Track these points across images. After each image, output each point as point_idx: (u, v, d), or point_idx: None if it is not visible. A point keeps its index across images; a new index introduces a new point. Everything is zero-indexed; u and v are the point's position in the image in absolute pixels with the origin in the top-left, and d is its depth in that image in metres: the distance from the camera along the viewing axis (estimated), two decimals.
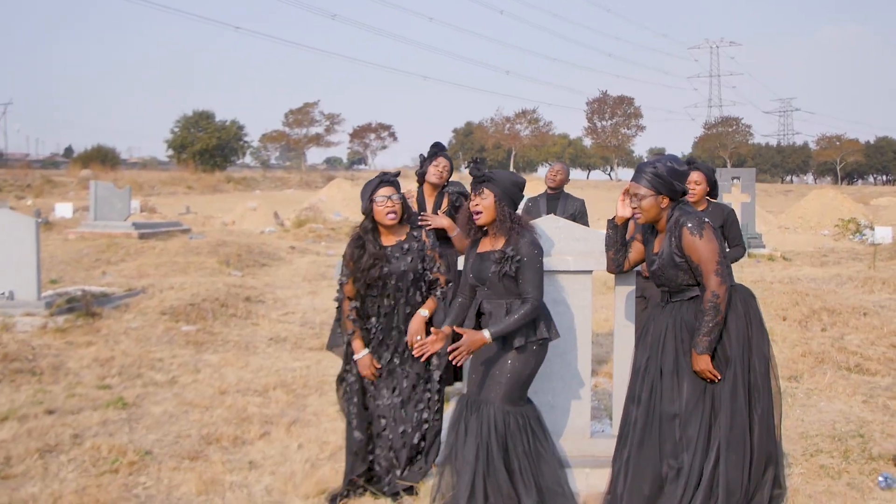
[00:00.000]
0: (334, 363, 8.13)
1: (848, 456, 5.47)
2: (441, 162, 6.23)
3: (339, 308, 4.85)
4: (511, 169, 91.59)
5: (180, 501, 4.72)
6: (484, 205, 4.34)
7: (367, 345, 4.77)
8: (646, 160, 4.51)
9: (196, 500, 4.72)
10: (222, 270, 13.91)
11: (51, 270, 13.48)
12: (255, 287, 11.89)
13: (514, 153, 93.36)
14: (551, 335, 4.36)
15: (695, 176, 6.11)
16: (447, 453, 4.40)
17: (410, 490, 4.72)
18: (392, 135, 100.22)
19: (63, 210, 25.69)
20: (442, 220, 5.71)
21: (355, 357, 4.74)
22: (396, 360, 4.77)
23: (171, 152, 69.18)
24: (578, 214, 7.72)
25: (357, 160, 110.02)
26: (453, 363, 4.15)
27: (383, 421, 4.77)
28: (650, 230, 4.51)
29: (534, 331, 4.30)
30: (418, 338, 4.58)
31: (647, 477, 4.29)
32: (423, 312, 4.68)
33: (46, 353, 7.75)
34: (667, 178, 4.23)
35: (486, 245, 4.43)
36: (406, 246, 4.73)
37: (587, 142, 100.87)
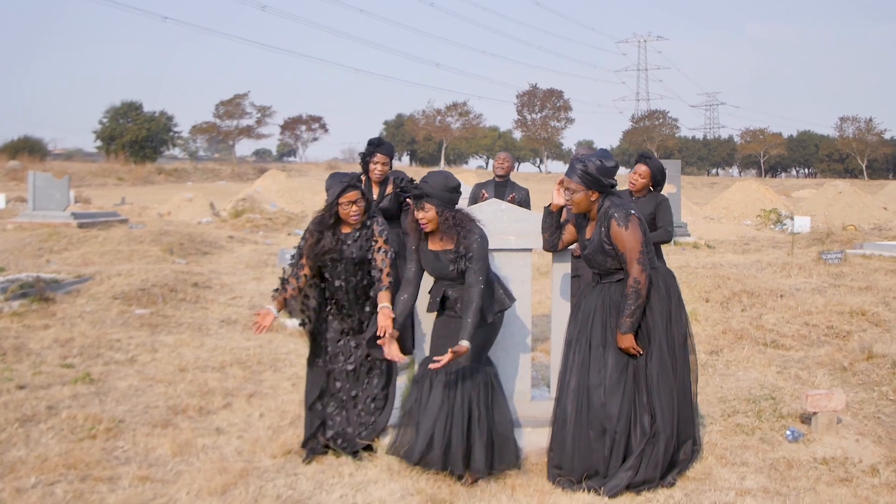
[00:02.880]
0: (285, 343, 8.56)
1: (761, 415, 6.12)
2: (378, 159, 6.61)
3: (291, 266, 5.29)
4: (442, 161, 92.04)
5: (158, 461, 5.13)
6: (427, 217, 4.89)
7: (322, 321, 5.31)
8: (576, 155, 5.06)
9: (173, 461, 5.14)
10: (166, 258, 14.14)
11: None
12: (202, 273, 12.18)
13: (444, 145, 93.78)
14: (510, 302, 4.94)
15: (640, 168, 6.78)
16: (407, 409, 4.91)
17: (369, 448, 5.22)
18: (323, 126, 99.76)
19: None
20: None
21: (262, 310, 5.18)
22: (349, 337, 5.28)
23: (99, 143, 68.17)
24: (523, 202, 8.25)
25: (287, 152, 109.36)
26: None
27: (338, 383, 5.28)
28: (583, 216, 5.06)
29: (492, 304, 4.85)
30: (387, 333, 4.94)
31: (581, 435, 4.86)
32: (385, 305, 5.02)
33: (7, 336, 8.01)
34: (595, 175, 4.80)
35: (435, 243, 4.97)
36: (358, 234, 5.21)
37: (517, 134, 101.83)
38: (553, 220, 5.09)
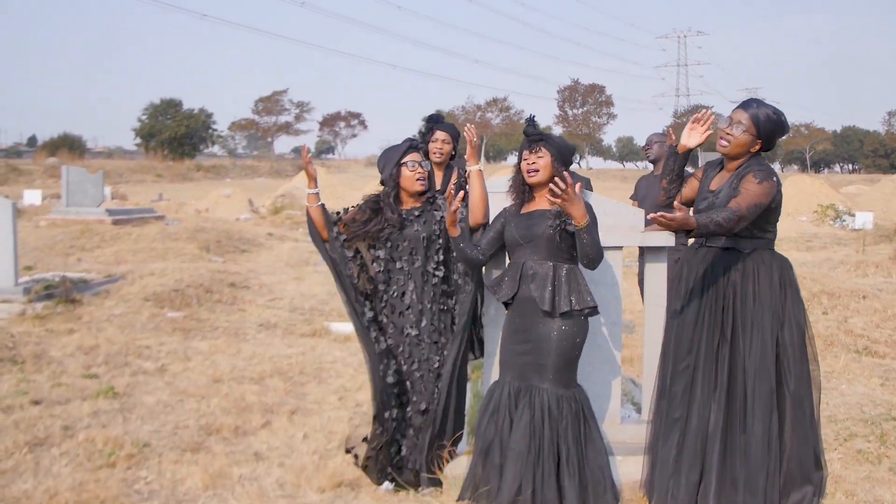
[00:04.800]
0: (329, 350, 7.81)
1: (885, 440, 5.23)
2: (438, 136, 5.58)
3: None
4: (482, 157, 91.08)
5: (187, 496, 4.37)
6: (541, 163, 4.11)
7: (379, 312, 4.53)
8: (750, 99, 4.17)
9: (204, 496, 4.38)
10: (202, 256, 13.49)
11: (24, 257, 12.95)
12: (239, 273, 11.49)
13: (485, 141, 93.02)
14: (591, 305, 4.08)
15: None
16: (484, 448, 4.09)
17: (434, 480, 4.42)
18: (362, 123, 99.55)
19: (32, 197, 24.94)
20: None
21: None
22: (413, 332, 4.46)
23: (138, 141, 68.09)
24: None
25: (325, 149, 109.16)
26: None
27: (402, 360, 4.52)
28: (714, 167, 4.28)
29: (578, 296, 4.02)
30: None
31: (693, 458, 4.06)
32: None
33: (27, 342, 7.34)
34: (771, 125, 4.02)
35: (533, 206, 4.18)
36: (420, 210, 4.44)
37: (557, 130, 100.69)
38: (676, 165, 4.22)
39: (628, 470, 4.51)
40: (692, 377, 4.12)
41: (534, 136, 4.17)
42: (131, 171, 48.39)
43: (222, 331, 8.42)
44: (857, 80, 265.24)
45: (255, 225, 21.20)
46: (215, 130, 74.51)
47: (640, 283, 5.81)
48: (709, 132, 4.07)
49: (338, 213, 4.58)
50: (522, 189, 4.22)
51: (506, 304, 4.26)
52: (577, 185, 3.80)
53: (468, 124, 4.63)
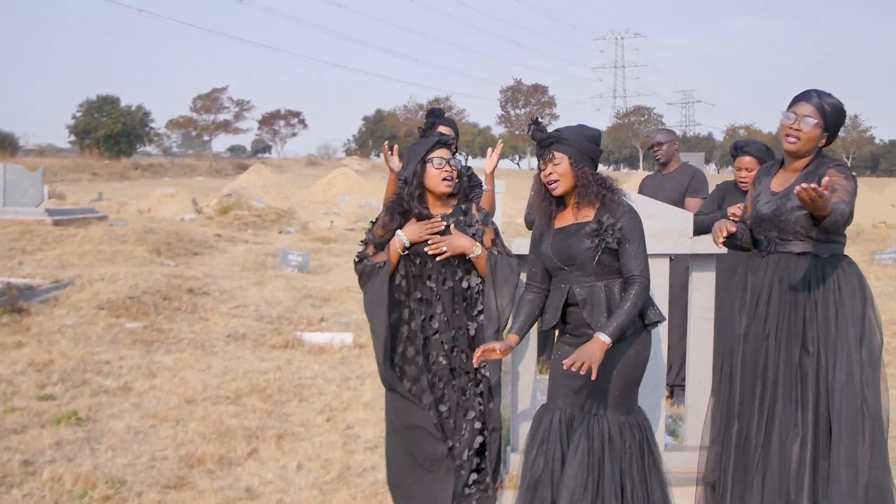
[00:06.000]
0: (307, 364, 7.20)
1: None
2: (442, 132, 5.12)
3: (361, 262, 3.90)
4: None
5: None
6: (559, 171, 3.43)
7: (401, 340, 3.86)
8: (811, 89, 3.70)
9: None
10: (154, 260, 12.69)
11: None
12: (196, 277, 10.76)
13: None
14: (657, 316, 3.52)
15: (746, 160, 5.57)
16: (532, 483, 3.52)
17: None
18: (302, 122, 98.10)
19: None
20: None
21: (398, 233, 3.80)
22: (442, 360, 3.86)
23: (73, 138, 66.18)
24: None
25: (262, 148, 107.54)
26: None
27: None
28: (767, 172, 3.83)
29: (640, 316, 3.46)
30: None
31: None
32: (476, 251, 3.79)
33: None
34: (837, 114, 3.61)
35: (567, 219, 3.54)
36: (452, 220, 3.84)
37: (498, 130, 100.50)
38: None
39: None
40: (772, 399, 3.63)
41: (543, 140, 3.51)
42: (66, 170, 46.82)
43: (187, 343, 7.73)
44: (792, 83, 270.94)
45: (201, 226, 20.33)
46: (153, 128, 72.91)
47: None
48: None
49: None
50: (549, 202, 3.57)
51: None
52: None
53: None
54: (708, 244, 4.18)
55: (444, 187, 3.78)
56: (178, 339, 7.83)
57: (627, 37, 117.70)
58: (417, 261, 3.77)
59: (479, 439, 3.86)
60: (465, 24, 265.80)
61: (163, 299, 9.18)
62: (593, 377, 3.19)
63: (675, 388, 6.09)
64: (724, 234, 3.66)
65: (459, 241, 3.75)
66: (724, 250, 3.87)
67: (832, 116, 3.60)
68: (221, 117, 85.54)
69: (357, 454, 5.07)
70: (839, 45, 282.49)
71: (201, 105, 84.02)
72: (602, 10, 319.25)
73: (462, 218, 3.86)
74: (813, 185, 3.04)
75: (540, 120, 3.64)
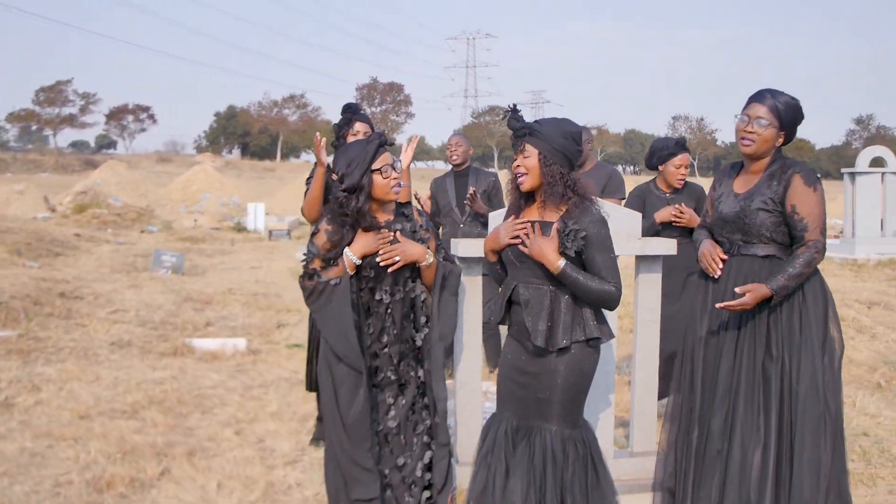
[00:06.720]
0: (203, 372, 6.81)
1: (869, 459, 4.89)
2: (359, 129, 4.98)
3: (310, 279, 3.57)
4: (278, 154, 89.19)
5: None
6: (527, 165, 3.30)
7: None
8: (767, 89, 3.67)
9: None
10: (14, 261, 11.83)
11: None
12: (66, 280, 10.09)
13: (280, 138, 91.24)
14: (604, 335, 3.38)
15: (684, 158, 5.61)
16: (476, 493, 3.36)
17: None
18: (151, 117, 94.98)
19: None
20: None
21: (346, 252, 3.49)
22: (391, 375, 3.62)
23: None
24: (493, 191, 6.78)
25: (106, 144, 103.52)
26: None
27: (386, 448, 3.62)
28: (727, 173, 3.83)
29: (581, 328, 3.31)
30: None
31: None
32: (429, 259, 3.56)
33: None
34: (792, 113, 3.59)
35: (531, 215, 3.38)
36: (398, 227, 3.60)
37: None
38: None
39: None
40: (734, 404, 3.57)
41: (517, 130, 3.37)
42: None
43: (69, 351, 7.17)
44: (639, 86, 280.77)
45: (57, 225, 19.25)
46: None
47: None
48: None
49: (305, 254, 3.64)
50: (518, 195, 3.44)
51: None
52: (535, 227, 3.29)
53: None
54: (658, 245, 4.12)
55: (393, 195, 3.53)
56: (58, 347, 7.26)
57: (479, 37, 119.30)
58: (372, 273, 3.52)
59: (429, 454, 3.66)
60: (319, 22, 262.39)
61: (33, 304, 8.54)
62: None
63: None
64: (720, 266, 3.64)
65: (412, 250, 3.53)
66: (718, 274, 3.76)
67: (787, 115, 3.59)
68: (66, 111, 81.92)
69: (277, 470, 4.76)
70: (677, 48, 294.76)
71: (44, 98, 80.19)
72: (455, 11, 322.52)
73: (407, 224, 3.63)
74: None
75: (517, 108, 3.48)
